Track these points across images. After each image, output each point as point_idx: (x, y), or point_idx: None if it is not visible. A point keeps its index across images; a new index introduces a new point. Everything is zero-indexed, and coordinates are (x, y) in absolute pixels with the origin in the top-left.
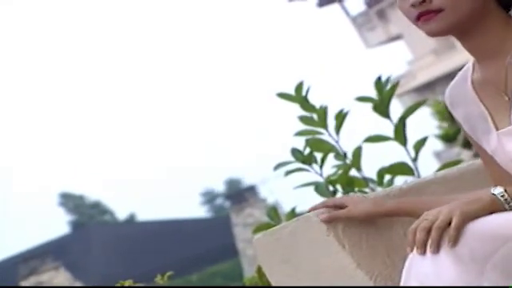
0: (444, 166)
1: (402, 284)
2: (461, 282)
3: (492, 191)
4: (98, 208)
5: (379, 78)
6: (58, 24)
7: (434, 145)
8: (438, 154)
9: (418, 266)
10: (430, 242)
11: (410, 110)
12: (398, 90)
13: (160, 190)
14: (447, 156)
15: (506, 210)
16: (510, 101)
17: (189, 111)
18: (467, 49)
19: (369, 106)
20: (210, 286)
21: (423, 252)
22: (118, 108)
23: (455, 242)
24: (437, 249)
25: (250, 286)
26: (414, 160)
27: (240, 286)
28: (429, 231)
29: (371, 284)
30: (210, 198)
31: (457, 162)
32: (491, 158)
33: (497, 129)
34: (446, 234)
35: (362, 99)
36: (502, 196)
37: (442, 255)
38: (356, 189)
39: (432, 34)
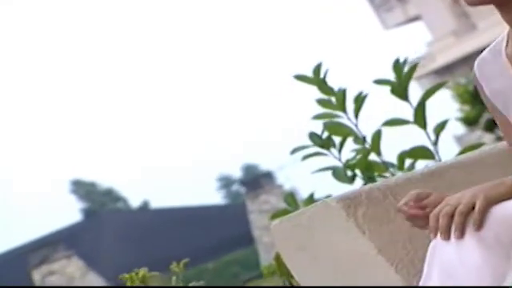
0: (465, 150)
1: (425, 271)
2: (487, 267)
3: None
4: (111, 195)
5: (397, 61)
6: (60, 18)
7: (455, 128)
8: (458, 138)
9: (442, 252)
10: (453, 227)
11: (429, 93)
12: (417, 73)
13: (174, 177)
14: (468, 140)
15: None
16: None
17: (206, 95)
18: (507, 20)
19: (388, 88)
20: (206, 286)
21: (447, 237)
22: (132, 92)
23: (480, 225)
24: (461, 234)
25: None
26: (435, 144)
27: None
28: (452, 216)
29: (393, 271)
30: (226, 183)
31: (478, 146)
32: None
33: None
34: (469, 219)
35: (379, 82)
36: None
37: (467, 240)
38: (375, 173)
39: (473, 2)
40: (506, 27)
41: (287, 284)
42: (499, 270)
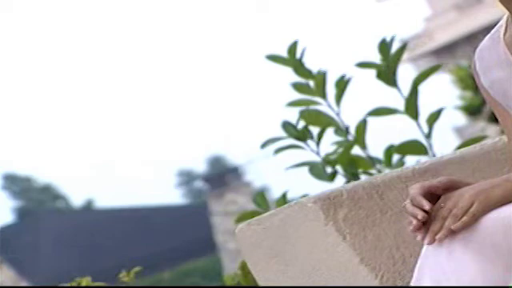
0: (465, 144)
1: (413, 283)
2: (482, 279)
3: None
4: (49, 192)
5: (384, 40)
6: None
7: (455, 119)
8: (459, 130)
9: (434, 262)
10: (442, 230)
11: (422, 77)
12: (413, 53)
13: (124, 171)
14: (471, 132)
15: None
16: None
17: (165, 76)
18: (505, 4)
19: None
20: (184, 286)
21: (431, 241)
22: (75, 76)
23: (463, 227)
24: (444, 236)
25: (231, 286)
26: (428, 136)
27: (220, 286)
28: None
29: (376, 283)
30: (186, 179)
31: (480, 139)
32: None
33: None
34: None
35: (363, 65)
36: None
37: (460, 249)
38: (359, 170)
39: None
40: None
41: None
42: (496, 282)
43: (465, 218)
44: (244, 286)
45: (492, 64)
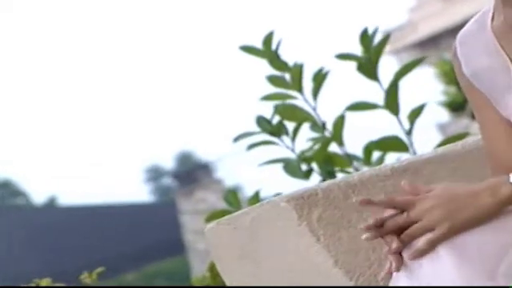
0: (446, 141)
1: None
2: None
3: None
4: (8, 189)
5: (365, 31)
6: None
7: (439, 115)
8: (443, 127)
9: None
10: (394, 243)
11: (404, 70)
12: (396, 45)
13: (88, 167)
14: (454, 130)
15: None
16: None
17: (131, 68)
18: None
19: (354, 65)
20: (151, 286)
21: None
22: (36, 71)
23: (415, 257)
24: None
25: (199, 287)
26: (409, 133)
27: (187, 286)
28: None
29: (352, 284)
30: (154, 176)
31: (462, 136)
32: (502, 129)
33: None
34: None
35: (343, 57)
36: None
37: (442, 252)
38: (336, 168)
39: None
40: None
41: None
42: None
43: (420, 246)
44: (213, 286)
45: (477, 52)
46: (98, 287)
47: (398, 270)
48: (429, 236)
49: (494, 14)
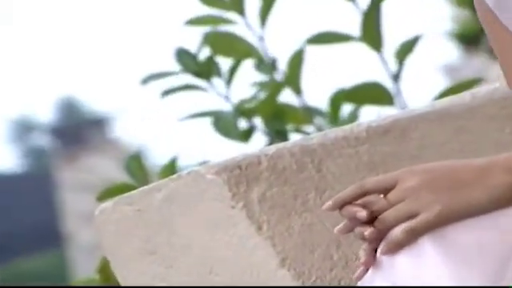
0: (450, 91)
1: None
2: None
3: None
4: None
5: None
6: None
7: (444, 52)
8: (449, 70)
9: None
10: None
11: None
12: None
13: None
14: (467, 73)
15: None
16: None
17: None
18: None
19: None
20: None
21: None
22: None
23: (390, 250)
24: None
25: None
26: (396, 78)
27: (67, 286)
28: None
29: None
30: (22, 131)
31: (473, 83)
32: None
33: None
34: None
35: None
36: None
37: (427, 247)
38: (289, 126)
39: None
40: None
41: None
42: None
43: (399, 237)
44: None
45: None
46: None
47: (367, 267)
48: (410, 223)
49: None
